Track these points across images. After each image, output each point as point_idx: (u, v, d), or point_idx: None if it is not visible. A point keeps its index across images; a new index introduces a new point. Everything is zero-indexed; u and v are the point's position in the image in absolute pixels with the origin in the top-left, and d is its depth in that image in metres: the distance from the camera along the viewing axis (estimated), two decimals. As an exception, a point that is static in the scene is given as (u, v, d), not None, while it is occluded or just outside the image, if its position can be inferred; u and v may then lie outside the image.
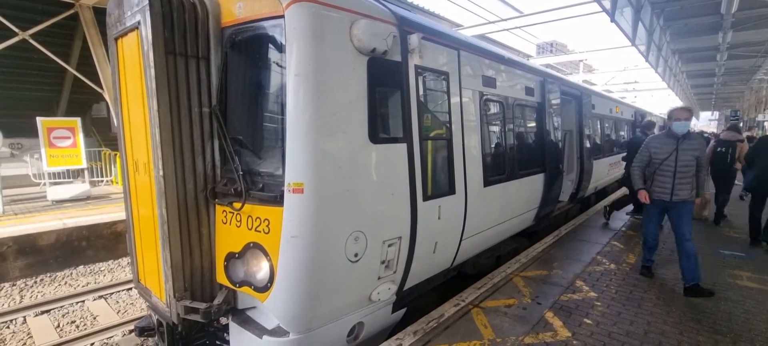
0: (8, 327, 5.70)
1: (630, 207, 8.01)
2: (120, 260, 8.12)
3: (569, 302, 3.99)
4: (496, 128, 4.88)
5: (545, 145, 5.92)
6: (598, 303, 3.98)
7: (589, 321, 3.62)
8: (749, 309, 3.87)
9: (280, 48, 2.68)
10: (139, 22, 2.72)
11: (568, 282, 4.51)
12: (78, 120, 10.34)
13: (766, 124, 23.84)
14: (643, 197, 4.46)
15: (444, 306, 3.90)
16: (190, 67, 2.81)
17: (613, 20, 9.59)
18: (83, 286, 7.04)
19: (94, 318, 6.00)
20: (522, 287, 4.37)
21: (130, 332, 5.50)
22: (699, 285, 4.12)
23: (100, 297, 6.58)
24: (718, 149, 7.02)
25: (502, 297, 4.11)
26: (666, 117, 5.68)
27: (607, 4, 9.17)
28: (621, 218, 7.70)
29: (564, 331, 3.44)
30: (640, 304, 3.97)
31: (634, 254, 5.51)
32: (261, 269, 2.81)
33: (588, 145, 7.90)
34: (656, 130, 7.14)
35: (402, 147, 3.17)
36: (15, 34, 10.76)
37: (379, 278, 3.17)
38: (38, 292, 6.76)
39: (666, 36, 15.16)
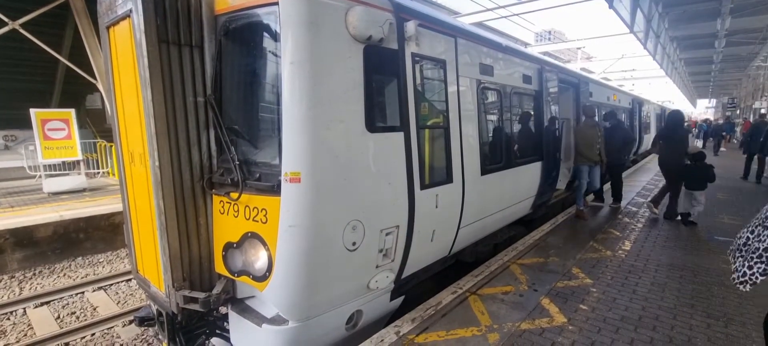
0: (8, 319, 5.73)
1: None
2: (118, 251, 8.13)
3: (565, 289, 4.04)
4: (493, 116, 4.87)
5: (543, 133, 5.91)
6: (594, 289, 4.03)
7: (584, 307, 3.67)
8: (742, 294, 3.92)
9: (275, 36, 2.65)
10: (130, 10, 2.67)
11: (565, 269, 4.56)
12: (72, 111, 10.23)
13: (762, 111, 23.92)
14: None
15: (442, 294, 3.94)
16: (184, 56, 2.77)
17: (611, 6, 9.53)
18: (82, 277, 7.06)
19: (94, 309, 6.03)
20: (519, 274, 4.42)
21: (130, 322, 5.54)
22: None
23: (100, 288, 6.60)
24: None
25: (499, 284, 4.15)
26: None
27: (606, -9, 9.09)
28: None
29: (560, 317, 3.49)
30: (634, 290, 4.02)
31: (628, 241, 5.56)
32: (259, 259, 2.81)
33: None
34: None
35: (399, 136, 3.16)
36: (5, 24, 10.58)
37: (377, 267, 3.19)
38: (37, 284, 6.77)
39: (664, 23, 15.09)
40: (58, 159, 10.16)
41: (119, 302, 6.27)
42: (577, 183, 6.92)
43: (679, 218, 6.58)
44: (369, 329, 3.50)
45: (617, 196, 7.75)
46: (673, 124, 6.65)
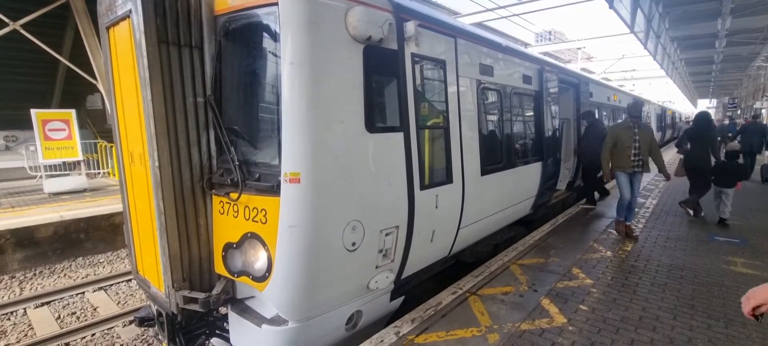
0: (9, 319, 5.73)
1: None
2: (118, 251, 8.14)
3: (565, 289, 4.03)
4: (493, 117, 4.86)
5: (543, 133, 5.91)
6: (594, 290, 4.03)
7: (584, 308, 3.66)
8: (742, 294, 3.90)
9: (275, 36, 2.65)
10: (130, 10, 2.67)
11: (565, 270, 4.55)
12: (73, 112, 10.25)
13: (763, 111, 23.89)
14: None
15: (442, 294, 3.94)
16: (184, 57, 2.77)
17: (611, 7, 9.52)
18: (83, 278, 7.06)
19: (95, 309, 6.03)
20: (519, 274, 4.41)
21: (131, 322, 5.54)
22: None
23: (100, 289, 6.61)
24: None
25: (499, 285, 4.15)
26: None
27: (606, -9, 9.09)
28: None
29: (560, 317, 3.49)
30: (635, 290, 4.01)
31: (630, 242, 5.55)
32: (259, 259, 2.81)
33: None
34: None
35: (399, 136, 3.16)
36: (6, 25, 10.59)
37: (376, 267, 3.19)
38: (37, 284, 6.78)
39: (665, 23, 15.08)
40: (58, 159, 10.18)
41: (119, 302, 6.27)
42: (619, 194, 5.90)
43: (697, 213, 6.72)
44: (369, 330, 3.49)
45: (590, 197, 7.84)
46: (702, 125, 6.73)
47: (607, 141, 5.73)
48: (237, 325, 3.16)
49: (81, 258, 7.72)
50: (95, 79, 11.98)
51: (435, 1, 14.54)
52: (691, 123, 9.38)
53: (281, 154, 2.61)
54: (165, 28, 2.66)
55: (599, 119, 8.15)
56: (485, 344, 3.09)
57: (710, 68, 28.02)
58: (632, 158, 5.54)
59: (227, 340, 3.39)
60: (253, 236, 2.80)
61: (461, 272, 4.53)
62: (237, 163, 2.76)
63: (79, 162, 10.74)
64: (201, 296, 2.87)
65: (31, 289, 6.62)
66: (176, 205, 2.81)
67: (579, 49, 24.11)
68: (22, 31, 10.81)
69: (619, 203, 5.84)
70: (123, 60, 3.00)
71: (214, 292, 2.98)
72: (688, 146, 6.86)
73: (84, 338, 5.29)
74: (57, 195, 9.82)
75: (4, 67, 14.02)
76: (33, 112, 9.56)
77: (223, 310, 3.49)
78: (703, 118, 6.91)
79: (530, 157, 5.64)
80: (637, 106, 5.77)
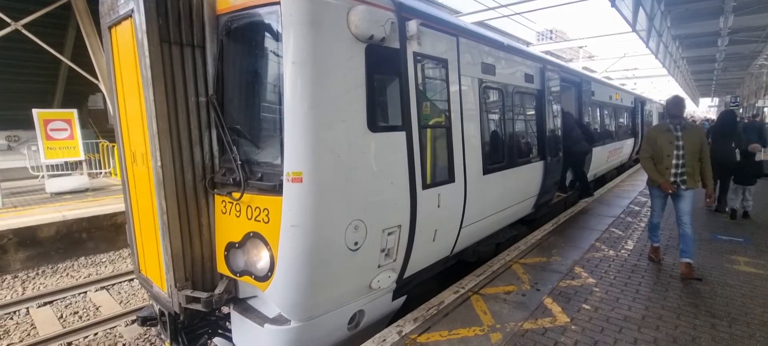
0: (12, 318, 5.75)
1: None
2: (121, 251, 8.16)
3: (568, 289, 4.03)
4: (495, 116, 4.85)
5: (545, 132, 5.90)
6: (597, 289, 4.02)
7: (587, 307, 3.65)
8: (746, 293, 3.90)
9: (277, 36, 2.65)
10: (132, 10, 2.67)
11: (567, 269, 4.54)
12: (74, 112, 10.27)
13: (766, 109, 23.82)
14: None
15: (444, 293, 3.94)
16: (186, 56, 2.77)
17: (613, 5, 9.49)
18: (85, 277, 7.08)
19: (97, 309, 6.04)
20: (521, 273, 4.41)
21: (133, 322, 5.55)
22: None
23: (102, 288, 6.62)
24: None
25: (501, 284, 4.14)
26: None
27: (608, -11, 9.06)
28: (619, 205, 7.72)
29: (563, 316, 3.48)
30: (637, 289, 4.00)
31: (632, 240, 5.54)
32: (261, 259, 2.81)
33: None
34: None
35: (401, 135, 3.16)
36: (7, 25, 10.61)
37: (379, 266, 3.19)
38: (40, 283, 6.80)
39: (667, 21, 15.02)
40: (60, 159, 10.20)
41: (122, 301, 6.29)
42: (650, 213, 4.77)
43: (727, 210, 6.80)
44: (371, 329, 3.49)
45: (584, 190, 7.96)
46: (727, 123, 6.89)
47: (643, 147, 4.58)
48: (239, 324, 3.16)
49: (83, 258, 7.74)
50: (97, 78, 12.01)
51: (437, 0, 14.51)
52: (696, 120, 9.29)
53: (283, 154, 2.61)
54: (167, 28, 2.65)
55: (568, 113, 7.41)
56: (488, 344, 3.09)
57: (712, 67, 27.92)
58: (673, 170, 4.27)
59: (230, 339, 3.39)
60: (256, 236, 2.79)
61: (463, 272, 4.53)
62: (239, 162, 2.76)
63: (81, 162, 10.76)
64: (203, 295, 2.87)
65: (33, 288, 6.64)
66: (178, 204, 2.81)
67: (580, 47, 24.07)
68: (24, 31, 10.83)
69: (650, 222, 4.76)
70: (125, 60, 3.00)
71: (217, 291, 2.98)
72: (710, 141, 6.99)
73: (86, 337, 5.30)
74: (59, 195, 9.85)
75: (6, 67, 14.05)
76: (35, 112, 9.58)
77: (225, 309, 3.50)
78: (728, 116, 7.11)
79: (532, 157, 5.63)
80: (677, 103, 4.35)
